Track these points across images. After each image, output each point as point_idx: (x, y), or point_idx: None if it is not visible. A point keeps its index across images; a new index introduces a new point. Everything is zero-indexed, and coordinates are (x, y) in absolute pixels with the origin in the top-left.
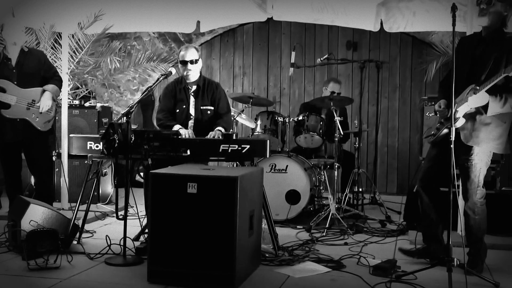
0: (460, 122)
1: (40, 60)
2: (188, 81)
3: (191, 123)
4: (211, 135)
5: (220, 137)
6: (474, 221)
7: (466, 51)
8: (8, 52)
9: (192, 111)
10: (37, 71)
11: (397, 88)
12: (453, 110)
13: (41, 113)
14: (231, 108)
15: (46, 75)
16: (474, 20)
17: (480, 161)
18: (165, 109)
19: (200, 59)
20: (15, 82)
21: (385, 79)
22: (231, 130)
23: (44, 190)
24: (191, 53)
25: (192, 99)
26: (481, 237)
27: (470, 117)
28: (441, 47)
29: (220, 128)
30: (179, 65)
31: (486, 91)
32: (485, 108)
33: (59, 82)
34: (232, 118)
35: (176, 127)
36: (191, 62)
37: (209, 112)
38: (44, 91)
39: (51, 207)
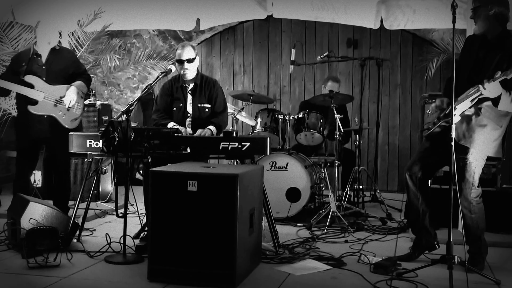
0: (456, 119)
1: (70, 59)
2: (185, 79)
3: (188, 121)
4: (199, 132)
5: (208, 135)
6: (471, 220)
7: (470, 51)
8: (39, 48)
9: (189, 109)
10: (65, 69)
11: (398, 86)
12: (453, 107)
13: (68, 110)
14: (232, 106)
15: (76, 73)
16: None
17: (475, 161)
18: (160, 108)
19: (197, 57)
20: (44, 79)
21: (385, 77)
22: (230, 128)
23: (64, 189)
24: (187, 52)
25: (189, 97)
26: (479, 235)
27: (466, 117)
28: (442, 45)
29: (210, 127)
30: (176, 64)
31: (500, 83)
32: (497, 100)
33: (86, 80)
34: (228, 116)
35: (170, 124)
36: (188, 61)
37: (206, 110)
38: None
39: (51, 205)
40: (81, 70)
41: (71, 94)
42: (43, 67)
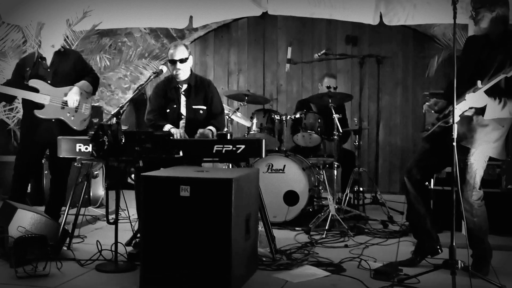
0: (455, 119)
1: (75, 60)
2: (178, 80)
3: (182, 123)
4: (199, 131)
5: (210, 136)
6: (473, 223)
7: (472, 52)
8: (44, 51)
9: (183, 110)
10: (71, 71)
11: (399, 84)
12: (454, 107)
13: (76, 111)
14: (227, 106)
15: (82, 73)
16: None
17: (476, 162)
18: (156, 109)
19: (190, 57)
20: (49, 82)
21: (385, 75)
22: (225, 130)
23: (60, 195)
24: (180, 52)
25: (183, 99)
26: (482, 238)
27: (466, 118)
28: (444, 40)
29: (211, 127)
30: (169, 64)
31: (486, 92)
32: (482, 110)
33: (92, 79)
34: (226, 117)
35: (167, 127)
36: (181, 61)
37: (201, 111)
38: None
39: (40, 212)
40: (87, 70)
41: (73, 95)
42: (49, 70)
